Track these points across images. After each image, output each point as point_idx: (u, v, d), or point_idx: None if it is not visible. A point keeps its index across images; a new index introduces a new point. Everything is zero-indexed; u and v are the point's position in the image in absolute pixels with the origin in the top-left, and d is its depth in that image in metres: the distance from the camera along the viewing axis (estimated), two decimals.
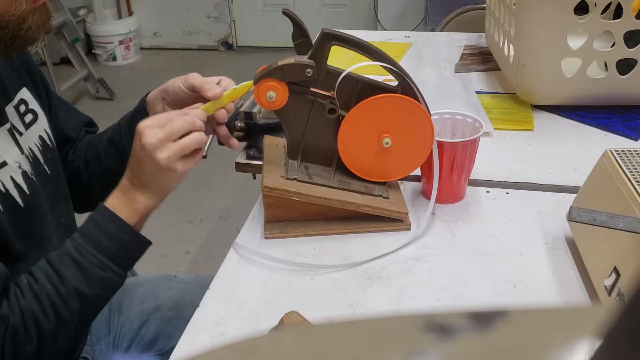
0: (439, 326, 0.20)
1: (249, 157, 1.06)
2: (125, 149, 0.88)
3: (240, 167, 1.06)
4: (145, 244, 0.76)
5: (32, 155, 0.79)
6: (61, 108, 0.92)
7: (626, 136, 1.05)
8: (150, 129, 0.72)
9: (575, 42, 1.04)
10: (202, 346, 0.67)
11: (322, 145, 0.82)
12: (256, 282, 0.75)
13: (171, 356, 0.67)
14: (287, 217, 0.83)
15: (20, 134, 0.77)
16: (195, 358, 0.21)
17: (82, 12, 3.62)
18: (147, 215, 0.77)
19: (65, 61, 3.38)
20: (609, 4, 1.11)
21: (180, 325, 0.72)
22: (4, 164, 0.72)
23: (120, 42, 3.66)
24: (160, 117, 0.74)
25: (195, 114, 0.75)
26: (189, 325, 0.69)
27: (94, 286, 0.71)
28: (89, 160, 0.91)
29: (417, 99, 0.79)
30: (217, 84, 0.80)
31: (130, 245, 0.74)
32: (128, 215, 0.74)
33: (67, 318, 0.69)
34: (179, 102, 0.82)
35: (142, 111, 0.87)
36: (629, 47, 1.04)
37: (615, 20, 1.03)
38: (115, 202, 0.74)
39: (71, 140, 0.94)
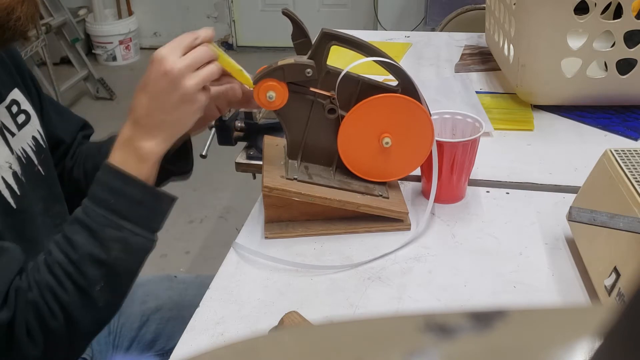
0: (439, 326, 0.20)
1: (249, 157, 1.06)
2: None
3: (240, 167, 1.06)
4: (158, 195, 0.70)
5: (25, 156, 0.77)
6: (53, 110, 0.90)
7: (626, 136, 1.05)
8: (173, 55, 0.67)
9: (575, 42, 1.04)
10: (202, 346, 0.67)
11: (322, 145, 0.82)
12: (256, 282, 0.75)
13: (171, 356, 0.67)
14: (287, 217, 0.83)
15: (12, 134, 0.76)
16: (195, 358, 0.21)
17: (82, 12, 3.62)
18: (157, 164, 0.71)
19: (65, 61, 3.38)
20: (609, 4, 1.11)
21: (180, 326, 0.71)
22: None
23: (120, 42, 3.66)
24: (175, 44, 0.68)
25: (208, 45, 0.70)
26: (189, 325, 0.69)
27: (110, 248, 0.66)
28: (89, 172, 0.89)
29: (417, 98, 0.79)
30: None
31: (141, 199, 0.68)
32: (136, 167, 0.68)
33: (86, 286, 0.66)
34: None
35: None
36: (629, 47, 1.04)
37: (615, 20, 1.03)
38: (118, 156, 0.69)
39: (64, 143, 0.91)
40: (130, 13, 3.74)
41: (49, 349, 0.66)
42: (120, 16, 3.71)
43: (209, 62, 0.70)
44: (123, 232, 0.67)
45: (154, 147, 0.69)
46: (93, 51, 3.70)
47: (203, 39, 0.70)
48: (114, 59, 3.70)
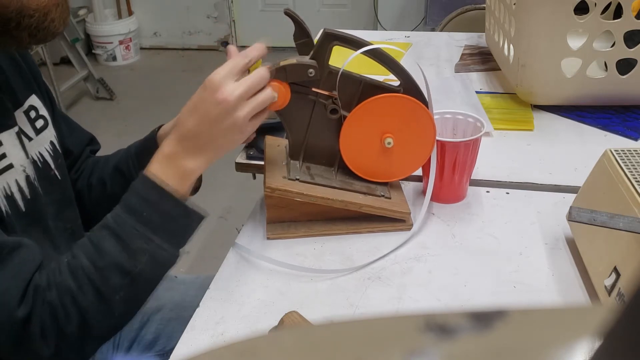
0: (439, 326, 0.20)
1: (249, 157, 1.06)
2: (133, 178, 0.86)
3: (240, 167, 1.06)
4: (190, 213, 0.70)
5: (41, 160, 0.78)
6: (63, 122, 0.91)
7: (626, 136, 1.05)
8: (228, 83, 0.67)
9: (575, 42, 1.04)
10: (202, 346, 0.67)
11: (324, 145, 0.82)
12: (256, 282, 0.75)
13: (171, 356, 0.67)
14: (289, 217, 0.83)
15: (30, 138, 0.77)
16: (195, 358, 0.21)
17: (82, 12, 3.62)
18: (193, 182, 0.72)
19: (65, 61, 3.38)
20: (609, 4, 1.11)
21: (180, 326, 0.71)
22: (10, 166, 0.72)
23: (120, 42, 3.66)
24: (230, 67, 0.69)
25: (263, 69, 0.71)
26: (189, 325, 0.70)
27: (136, 260, 0.66)
28: (93, 185, 0.89)
29: (419, 98, 0.79)
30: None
31: (174, 215, 0.69)
32: (176, 183, 0.69)
33: (107, 293, 0.66)
34: None
35: (151, 142, 0.85)
36: (629, 47, 1.04)
37: (615, 20, 1.03)
38: (160, 170, 0.69)
39: (72, 155, 0.91)
40: (130, 13, 3.74)
41: (60, 351, 0.66)
42: (120, 16, 3.71)
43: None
44: (151, 246, 0.68)
45: (196, 166, 0.70)
46: (93, 51, 3.70)
47: (256, 58, 0.71)
48: (114, 59, 3.70)
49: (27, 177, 0.75)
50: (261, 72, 0.70)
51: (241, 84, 0.68)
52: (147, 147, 0.86)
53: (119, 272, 0.66)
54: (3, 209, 0.70)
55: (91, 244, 0.67)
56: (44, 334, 0.64)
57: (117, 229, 0.67)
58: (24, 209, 0.73)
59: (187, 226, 0.71)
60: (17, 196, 0.72)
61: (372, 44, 0.76)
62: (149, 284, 0.70)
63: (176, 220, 0.70)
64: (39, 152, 0.78)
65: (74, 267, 0.66)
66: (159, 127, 0.87)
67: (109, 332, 0.71)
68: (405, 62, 0.81)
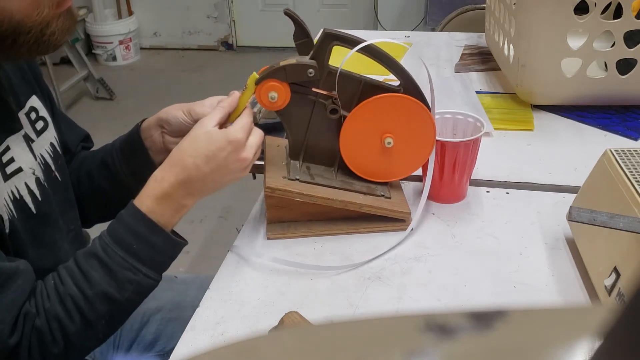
0: (439, 326, 0.20)
1: None
2: (117, 171, 0.87)
3: None
4: (177, 244, 0.74)
5: (43, 162, 0.78)
6: (62, 121, 0.91)
7: (626, 136, 1.05)
8: (247, 143, 0.73)
9: (575, 42, 1.04)
10: (202, 346, 0.67)
11: (324, 145, 0.82)
12: (256, 282, 0.75)
13: (171, 356, 0.67)
14: (289, 217, 0.83)
15: (32, 140, 0.77)
16: (195, 358, 0.21)
17: (82, 12, 3.61)
18: (184, 214, 0.75)
19: (65, 61, 3.38)
20: (609, 4, 1.11)
21: (180, 326, 0.71)
22: (19, 169, 0.72)
23: (120, 42, 3.66)
24: (248, 127, 0.73)
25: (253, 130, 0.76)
26: (189, 325, 0.70)
27: (124, 289, 0.69)
28: (81, 178, 0.91)
29: (419, 98, 0.79)
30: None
31: (162, 247, 0.71)
32: (170, 217, 0.72)
33: (94, 320, 0.68)
34: (184, 132, 0.78)
35: (135, 136, 0.86)
36: (629, 47, 1.04)
37: (615, 20, 1.03)
38: (154, 205, 0.71)
39: (70, 152, 0.92)
40: (130, 13, 3.74)
41: None
42: (120, 16, 3.71)
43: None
44: (138, 276, 0.70)
45: (191, 203, 0.74)
46: (93, 51, 3.70)
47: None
48: (114, 59, 3.70)
49: (37, 179, 0.75)
50: (262, 135, 0.75)
51: (253, 147, 0.73)
52: (131, 140, 0.87)
53: (107, 300, 0.68)
54: (8, 217, 0.70)
55: (80, 271, 0.69)
56: (30, 357, 0.66)
57: (105, 258, 0.69)
58: (35, 211, 0.74)
59: (172, 256, 0.74)
60: (27, 199, 0.73)
61: (372, 45, 0.76)
62: (132, 309, 0.74)
63: (163, 252, 0.72)
64: (40, 155, 0.78)
65: (62, 294, 0.67)
66: (142, 121, 0.87)
67: (90, 350, 0.74)
68: (409, 61, 0.81)
